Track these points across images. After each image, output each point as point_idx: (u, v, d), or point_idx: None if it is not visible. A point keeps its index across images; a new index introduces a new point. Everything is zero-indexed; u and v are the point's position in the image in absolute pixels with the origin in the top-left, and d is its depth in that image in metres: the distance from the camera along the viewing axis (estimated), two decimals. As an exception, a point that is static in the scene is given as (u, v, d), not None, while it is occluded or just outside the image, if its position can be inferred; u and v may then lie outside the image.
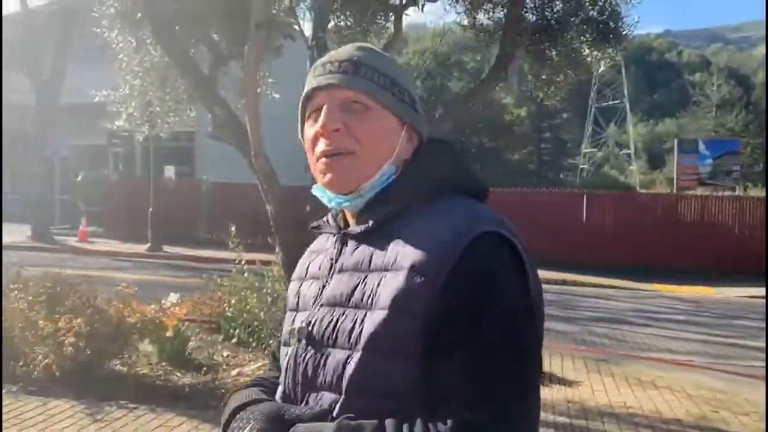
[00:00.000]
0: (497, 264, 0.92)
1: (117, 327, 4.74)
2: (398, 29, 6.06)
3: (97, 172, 18.39)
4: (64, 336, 4.58)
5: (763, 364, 6.05)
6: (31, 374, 4.61)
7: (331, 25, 5.60)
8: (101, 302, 4.97)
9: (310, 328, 1.00)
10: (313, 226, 1.16)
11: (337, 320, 0.97)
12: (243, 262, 5.80)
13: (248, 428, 0.94)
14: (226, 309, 5.74)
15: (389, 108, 1.03)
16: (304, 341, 1.00)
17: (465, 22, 5.93)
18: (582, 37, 5.52)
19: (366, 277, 0.97)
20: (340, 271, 1.02)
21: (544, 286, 1.03)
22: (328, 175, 1.02)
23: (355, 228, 1.04)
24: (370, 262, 0.98)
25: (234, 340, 5.86)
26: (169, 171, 17.52)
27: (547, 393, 4.96)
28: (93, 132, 14.96)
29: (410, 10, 6.10)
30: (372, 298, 0.94)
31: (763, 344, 6.63)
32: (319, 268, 1.08)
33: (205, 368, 5.14)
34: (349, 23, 5.78)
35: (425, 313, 0.89)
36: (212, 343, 5.82)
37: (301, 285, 1.13)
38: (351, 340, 0.94)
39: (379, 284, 0.94)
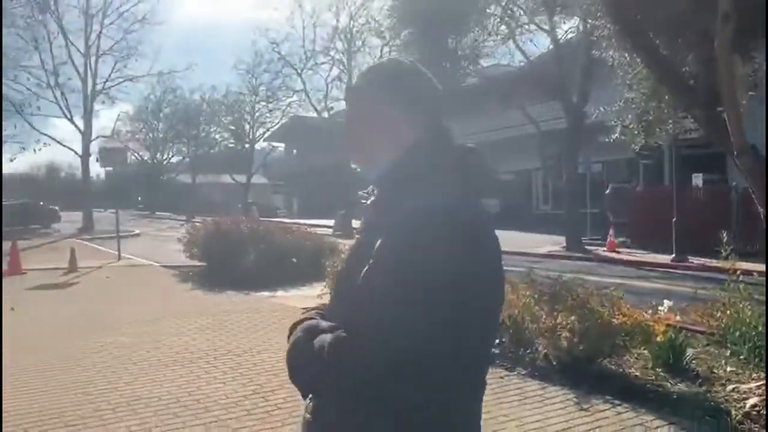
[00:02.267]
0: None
1: (606, 327, 5.04)
2: None
3: (623, 184, 19.17)
4: (560, 331, 5.16)
5: None
6: (535, 361, 5.35)
7: None
8: (594, 304, 5.36)
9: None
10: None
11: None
12: (738, 272, 5.31)
13: (293, 334, 1.39)
14: (723, 321, 5.35)
15: None
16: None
17: None
18: None
19: None
20: None
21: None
22: None
23: None
24: None
25: (742, 356, 5.41)
26: (697, 179, 16.85)
27: None
28: (621, 147, 15.79)
29: None
30: None
31: None
32: None
33: (700, 380, 4.95)
34: None
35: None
36: (716, 356, 5.53)
37: None
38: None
39: None
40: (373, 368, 1.19)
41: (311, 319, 1.43)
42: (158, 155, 58.29)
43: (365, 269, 1.25)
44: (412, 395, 1.22)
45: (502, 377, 5.26)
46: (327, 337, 1.26)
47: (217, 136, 53.37)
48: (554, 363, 5.16)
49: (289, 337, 1.43)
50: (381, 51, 29.19)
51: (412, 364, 1.19)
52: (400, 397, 1.22)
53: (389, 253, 1.21)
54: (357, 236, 1.42)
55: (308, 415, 1.38)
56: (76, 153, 32.67)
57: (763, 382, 4.58)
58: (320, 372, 1.26)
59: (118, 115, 60.24)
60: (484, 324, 1.30)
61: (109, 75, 33.10)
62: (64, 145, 32.95)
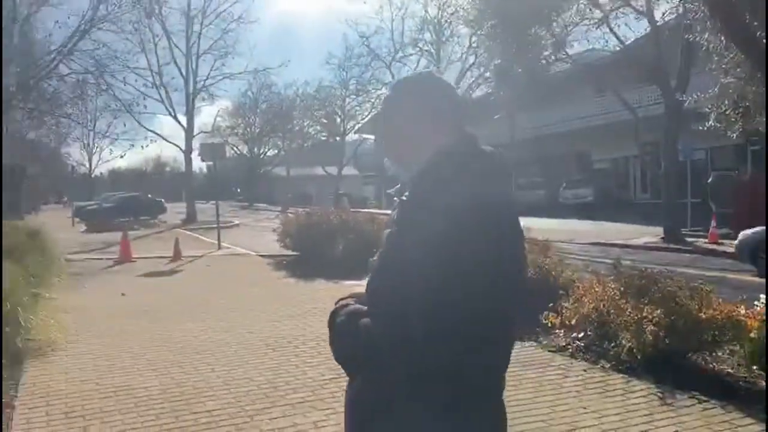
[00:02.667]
0: None
1: (694, 321, 4.88)
2: None
3: (728, 172, 18.08)
4: (646, 324, 5.04)
5: None
6: (619, 355, 5.26)
7: None
8: (683, 297, 5.19)
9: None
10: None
11: None
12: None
13: (336, 317, 1.61)
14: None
15: None
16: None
17: None
18: None
19: None
20: None
21: None
22: None
23: None
24: None
25: None
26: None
27: None
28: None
29: None
30: None
31: None
32: None
33: (799, 379, 4.70)
34: None
35: None
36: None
37: None
38: None
39: None
40: (435, 338, 1.36)
41: (349, 305, 1.59)
42: (255, 149, 60.50)
43: (418, 255, 1.40)
44: (466, 358, 1.40)
45: (585, 370, 5.23)
46: (369, 321, 1.42)
47: (310, 130, 54.84)
48: (639, 357, 5.05)
49: (330, 324, 1.61)
50: (470, 40, 28.94)
51: (465, 331, 1.38)
52: (454, 362, 1.39)
53: (439, 241, 1.39)
54: (389, 230, 1.59)
55: (356, 392, 1.54)
56: (179, 148, 34.61)
57: None
58: (373, 350, 1.42)
59: (218, 111, 63.01)
60: (514, 292, 1.50)
61: (209, 73, 34.74)
62: (169, 141, 34.92)
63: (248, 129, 57.38)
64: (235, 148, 59.47)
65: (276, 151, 60.03)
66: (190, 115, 33.50)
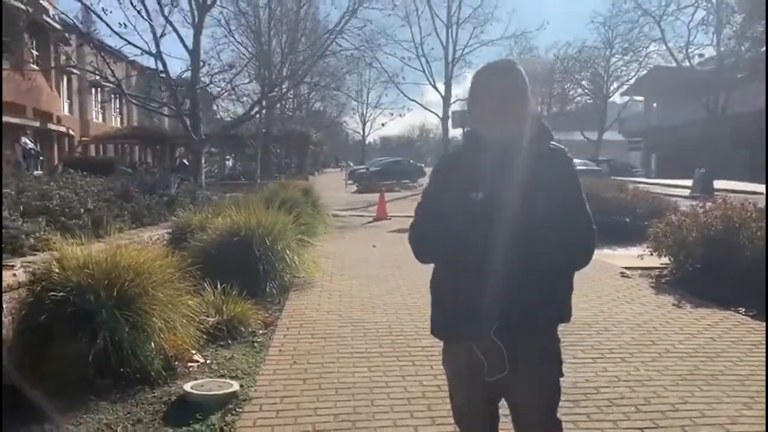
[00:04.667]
0: None
1: None
2: None
3: None
4: None
5: None
6: None
7: None
8: None
9: None
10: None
11: None
12: None
13: None
14: None
15: None
16: None
17: None
18: None
19: None
20: None
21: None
22: None
23: None
24: None
25: None
26: None
27: None
28: None
29: None
30: None
31: None
32: None
33: None
34: None
35: None
36: None
37: None
38: None
39: None
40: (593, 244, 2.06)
41: None
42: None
43: (561, 190, 2.00)
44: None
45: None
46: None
47: (571, 93, 52.92)
48: None
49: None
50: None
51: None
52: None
53: (574, 177, 2.06)
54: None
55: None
56: (437, 116, 36.32)
57: None
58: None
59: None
60: None
61: (467, 42, 35.62)
62: (428, 110, 36.91)
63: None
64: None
65: (535, 117, 59.22)
66: (448, 83, 34.91)
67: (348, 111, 55.74)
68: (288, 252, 7.18)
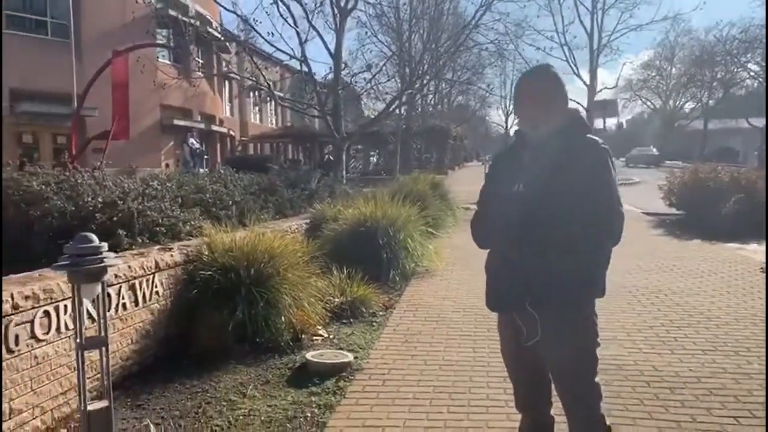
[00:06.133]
0: None
1: None
2: None
3: None
4: None
5: None
6: None
7: None
8: None
9: None
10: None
11: None
12: None
13: None
14: None
15: None
16: None
17: None
18: None
19: None
20: None
21: None
22: None
23: None
24: None
25: None
26: None
27: None
28: None
29: None
30: None
31: None
32: None
33: None
34: None
35: None
36: None
37: None
38: None
39: None
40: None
41: None
42: (670, 102, 56.61)
43: (587, 176, 2.20)
44: None
45: None
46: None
47: (736, 77, 48.54)
48: None
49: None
50: None
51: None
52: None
53: (600, 164, 2.26)
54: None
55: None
56: (582, 106, 35.04)
57: None
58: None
59: (622, 65, 60.67)
60: None
61: (614, 27, 34.02)
62: (571, 99, 35.70)
63: (662, 81, 53.91)
64: (648, 102, 56.64)
65: (695, 104, 54.97)
66: (593, 72, 33.60)
67: (491, 104, 55.31)
68: (410, 242, 7.64)
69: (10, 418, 3.23)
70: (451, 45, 23.11)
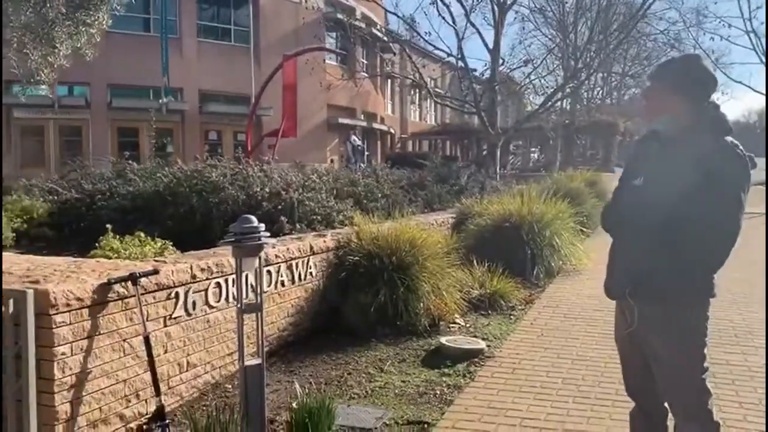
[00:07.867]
0: None
1: None
2: None
3: None
4: None
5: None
6: None
7: None
8: None
9: None
10: None
11: None
12: None
13: None
14: None
15: None
16: None
17: None
18: None
19: None
20: None
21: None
22: None
23: None
24: None
25: None
26: None
27: None
28: None
29: None
30: None
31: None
32: None
33: None
34: None
35: None
36: None
37: None
38: None
39: None
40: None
41: None
42: None
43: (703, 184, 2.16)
44: None
45: None
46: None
47: None
48: None
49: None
50: None
51: None
52: None
53: (724, 174, 2.19)
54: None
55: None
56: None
57: None
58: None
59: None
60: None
61: (815, 9, 30.00)
62: (756, 91, 32.25)
63: None
64: None
65: None
66: (789, 60, 29.94)
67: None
68: (557, 239, 7.60)
69: (187, 371, 3.87)
70: (620, 34, 21.96)
